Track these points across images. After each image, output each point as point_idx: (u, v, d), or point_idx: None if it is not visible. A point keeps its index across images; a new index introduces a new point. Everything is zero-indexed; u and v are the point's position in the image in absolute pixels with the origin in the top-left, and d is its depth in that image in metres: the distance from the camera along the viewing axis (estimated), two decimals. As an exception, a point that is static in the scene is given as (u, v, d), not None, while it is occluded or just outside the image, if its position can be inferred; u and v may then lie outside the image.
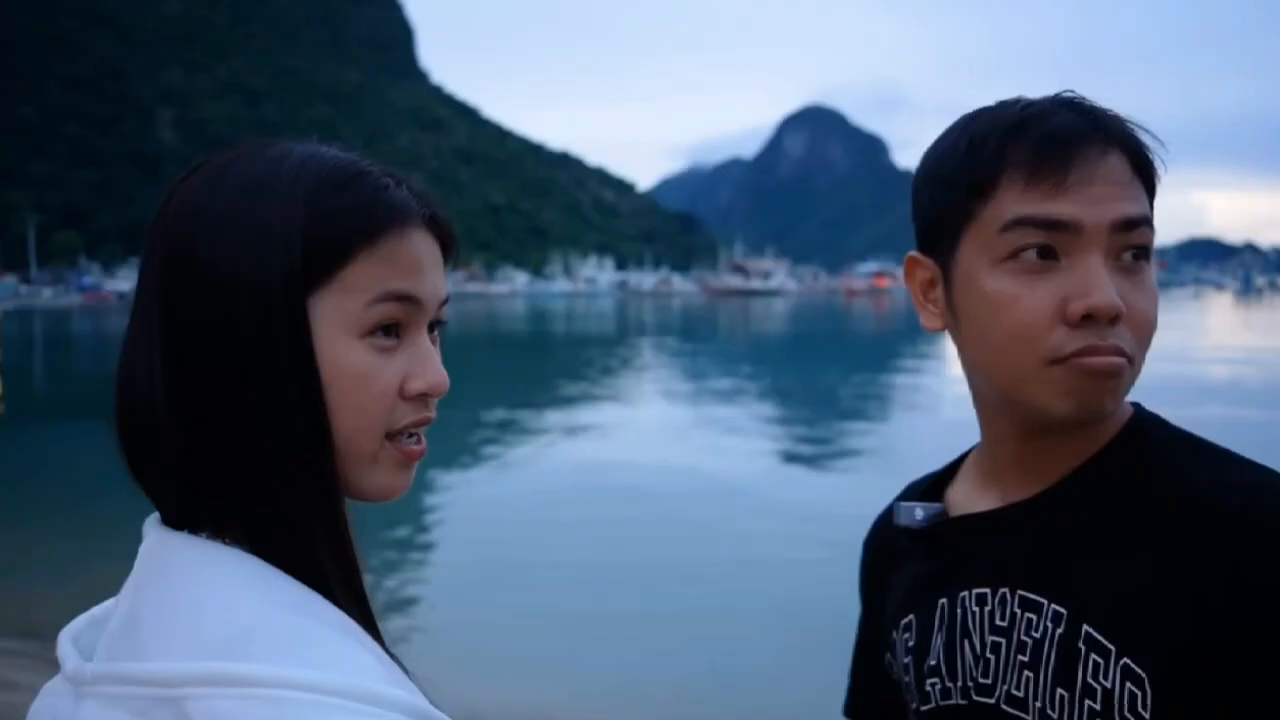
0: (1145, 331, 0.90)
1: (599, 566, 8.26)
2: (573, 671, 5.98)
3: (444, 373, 0.76)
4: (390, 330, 0.73)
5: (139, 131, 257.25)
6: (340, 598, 0.70)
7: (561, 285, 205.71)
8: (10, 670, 5.13)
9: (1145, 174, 0.91)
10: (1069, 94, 0.92)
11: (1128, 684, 0.82)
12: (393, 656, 0.71)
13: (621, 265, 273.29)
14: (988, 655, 0.94)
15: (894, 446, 14.28)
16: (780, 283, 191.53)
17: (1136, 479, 0.91)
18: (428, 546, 9.39)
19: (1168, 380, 17.20)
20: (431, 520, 10.12)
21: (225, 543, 0.70)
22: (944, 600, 1.00)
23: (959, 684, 0.97)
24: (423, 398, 0.75)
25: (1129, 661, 0.83)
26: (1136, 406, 0.97)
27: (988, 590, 0.95)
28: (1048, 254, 0.88)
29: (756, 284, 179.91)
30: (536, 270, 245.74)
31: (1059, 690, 0.87)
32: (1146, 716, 0.82)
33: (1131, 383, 0.91)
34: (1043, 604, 0.90)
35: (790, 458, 14.09)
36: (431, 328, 0.77)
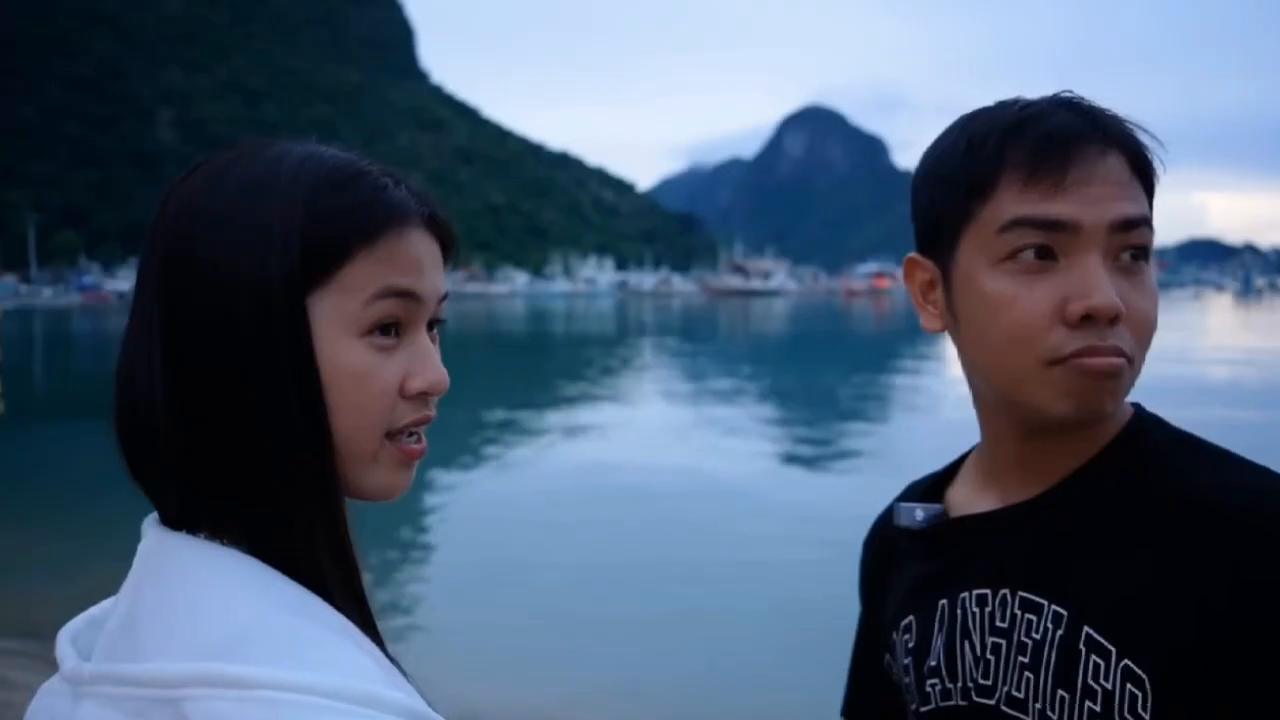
0: (1145, 332, 0.89)
1: (599, 567, 8.26)
2: (572, 671, 5.98)
3: (444, 371, 0.76)
4: (389, 329, 0.73)
5: (139, 131, 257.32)
6: (339, 599, 0.70)
7: (561, 285, 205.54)
8: (10, 670, 5.13)
9: (1144, 174, 0.91)
10: (1067, 94, 0.92)
11: (1128, 685, 0.82)
12: (391, 658, 0.71)
13: (621, 265, 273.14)
14: (988, 656, 0.94)
15: (893, 447, 14.29)
16: (780, 283, 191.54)
17: (1136, 480, 0.90)
18: (428, 546, 9.40)
19: (1167, 381, 17.21)
20: (432, 520, 10.12)
21: (224, 543, 0.70)
22: (944, 601, 0.99)
23: (959, 685, 0.96)
24: (423, 396, 0.75)
25: (1129, 663, 0.83)
26: (1137, 407, 0.97)
27: (988, 591, 0.95)
28: (1046, 254, 0.88)
29: (756, 284, 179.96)
30: (536, 270, 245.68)
31: (1059, 691, 0.86)
32: (1147, 718, 0.82)
33: (1131, 383, 0.90)
34: (1043, 605, 0.90)
35: (790, 458, 14.09)
36: (431, 326, 0.77)
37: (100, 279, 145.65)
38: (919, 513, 1.05)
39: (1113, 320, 0.86)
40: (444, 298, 0.78)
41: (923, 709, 1.00)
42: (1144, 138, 0.91)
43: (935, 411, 17.54)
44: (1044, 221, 0.87)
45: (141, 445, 0.72)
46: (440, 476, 11.76)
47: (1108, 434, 0.94)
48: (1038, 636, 0.89)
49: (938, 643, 0.99)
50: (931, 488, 1.10)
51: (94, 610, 0.77)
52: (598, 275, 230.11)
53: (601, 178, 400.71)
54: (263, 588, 0.67)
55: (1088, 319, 0.86)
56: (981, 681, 0.94)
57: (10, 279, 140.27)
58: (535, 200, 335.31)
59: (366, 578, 0.71)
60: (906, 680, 1.04)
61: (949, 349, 1.00)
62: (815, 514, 9.79)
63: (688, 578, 7.87)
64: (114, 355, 0.75)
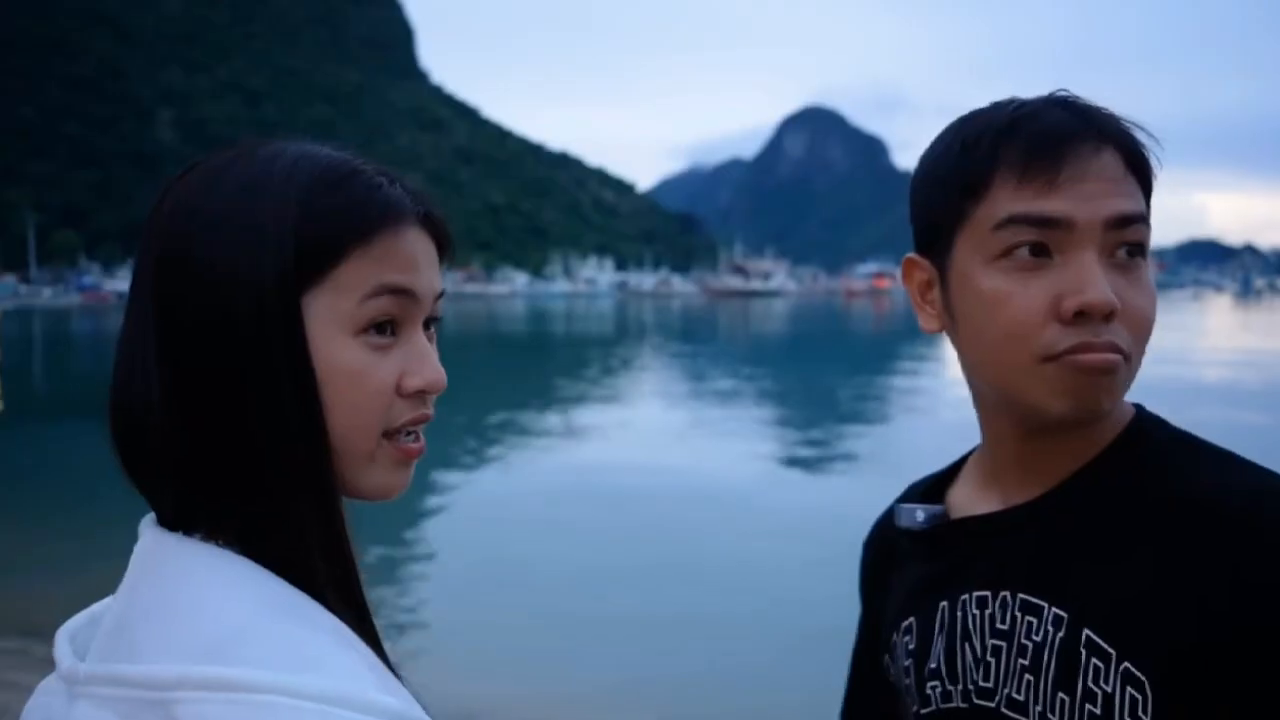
0: (1142, 328, 0.89)
1: (599, 567, 8.26)
2: (572, 671, 5.98)
3: (441, 369, 0.76)
4: (385, 328, 0.73)
5: (139, 131, 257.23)
6: (333, 600, 0.70)
7: (561, 286, 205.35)
8: (9, 670, 5.13)
9: (1140, 171, 0.91)
10: (1062, 93, 0.92)
11: (1128, 688, 0.82)
12: (387, 660, 0.71)
13: (621, 266, 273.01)
14: (988, 658, 0.94)
15: (892, 449, 14.30)
16: (780, 284, 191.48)
17: (1137, 480, 0.90)
18: (428, 546, 9.40)
19: (1167, 382, 17.22)
20: (432, 520, 10.12)
21: (219, 544, 0.70)
22: (945, 603, 0.99)
23: (959, 687, 0.96)
24: (420, 395, 0.75)
25: (1129, 666, 0.82)
26: (1138, 408, 0.97)
27: (988, 593, 0.95)
28: (1041, 251, 0.88)
29: (756, 285, 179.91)
30: (536, 271, 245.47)
31: (1059, 694, 0.86)
32: None
33: (1129, 381, 0.90)
34: (1043, 607, 0.90)
35: (789, 459, 14.09)
36: (428, 325, 0.77)
37: (100, 279, 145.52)
38: (920, 514, 1.05)
39: (1108, 316, 0.86)
40: (440, 296, 0.78)
41: (923, 711, 1.00)
42: (1140, 135, 0.91)
43: (934, 413, 17.54)
44: (1038, 218, 0.87)
45: (136, 445, 0.72)
46: (440, 477, 11.76)
47: (1109, 434, 0.94)
48: (1038, 639, 0.89)
49: (938, 645, 0.99)
50: (932, 489, 1.09)
51: (94, 608, 0.77)
52: (597, 276, 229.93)
53: (601, 178, 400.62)
54: (256, 589, 0.67)
55: (1082, 315, 0.85)
56: (982, 684, 0.94)
57: (10, 279, 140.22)
58: (535, 200, 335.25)
59: (365, 577, 0.71)
60: (907, 682, 1.03)
61: (948, 350, 0.99)
62: (814, 515, 9.80)
63: (687, 578, 7.88)
64: (112, 355, 0.75)
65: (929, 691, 0.99)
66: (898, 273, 1.04)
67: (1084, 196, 0.86)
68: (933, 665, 0.99)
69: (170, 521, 0.72)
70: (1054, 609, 0.89)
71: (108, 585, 0.74)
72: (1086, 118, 0.89)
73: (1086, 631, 0.86)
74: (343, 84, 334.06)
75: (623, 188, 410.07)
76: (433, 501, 10.72)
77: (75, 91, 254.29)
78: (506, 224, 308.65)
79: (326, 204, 0.71)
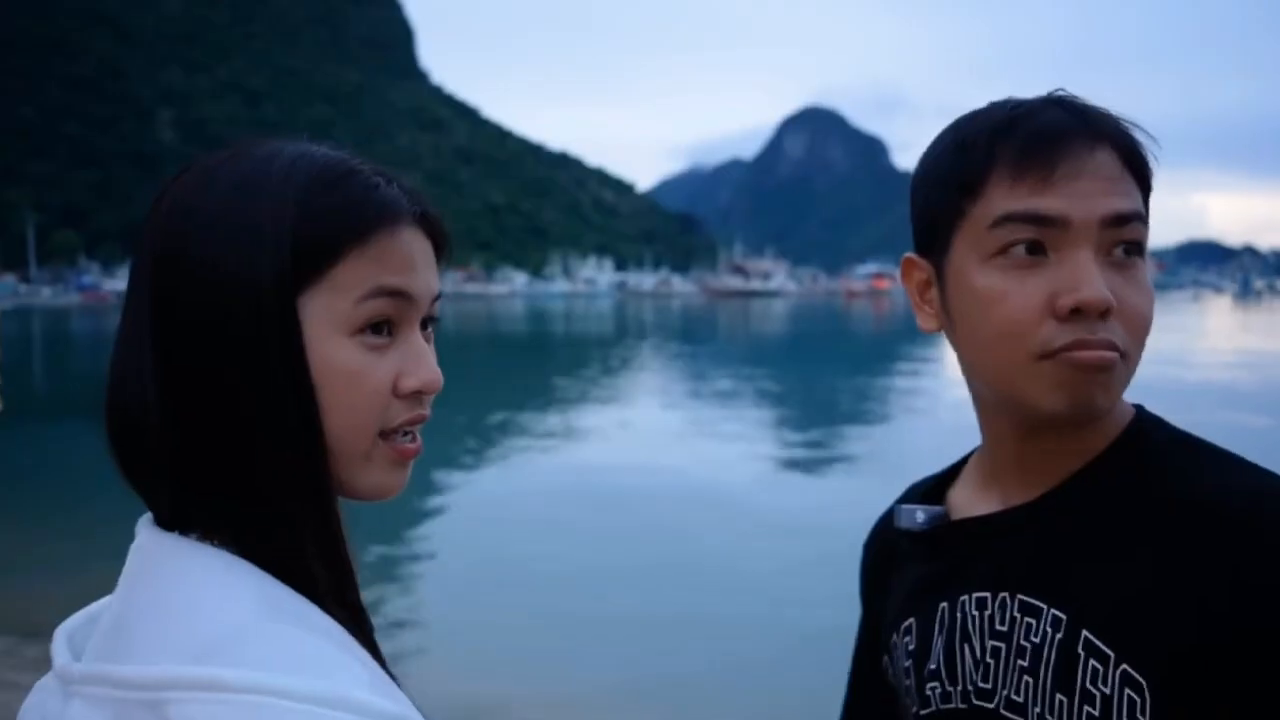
0: (1138, 326, 0.89)
1: (599, 567, 8.26)
2: (572, 671, 5.98)
3: (438, 370, 0.76)
4: (381, 328, 0.73)
5: (139, 131, 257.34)
6: (329, 601, 0.70)
7: (561, 286, 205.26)
8: (10, 670, 5.14)
9: (1138, 170, 0.90)
10: (1060, 93, 0.92)
11: (1127, 690, 0.82)
12: (384, 661, 0.71)
13: (621, 266, 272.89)
14: (987, 660, 0.94)
15: (892, 450, 14.30)
16: (780, 284, 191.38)
17: (1137, 481, 0.90)
18: (428, 546, 9.40)
19: (1167, 383, 17.22)
20: (431, 520, 10.12)
21: (215, 544, 0.70)
22: (944, 604, 0.99)
23: (959, 688, 0.96)
24: (417, 395, 0.75)
25: (1128, 667, 0.82)
26: (1139, 408, 0.97)
27: (988, 594, 0.95)
28: (1037, 249, 0.88)
29: (756, 285, 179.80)
30: (536, 271, 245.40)
31: (1058, 695, 0.86)
32: None
33: (1126, 379, 0.90)
34: (1042, 609, 0.90)
35: (789, 460, 14.09)
36: (425, 325, 0.77)
37: (99, 279, 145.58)
38: (920, 515, 1.05)
39: (1104, 314, 0.86)
40: (438, 297, 0.78)
41: (922, 712, 1.00)
42: (1138, 135, 0.91)
43: (934, 413, 17.54)
44: (1033, 216, 0.87)
45: (133, 445, 0.72)
46: (441, 477, 11.76)
47: (1109, 435, 0.94)
48: (1037, 640, 0.89)
49: (938, 645, 0.99)
50: (933, 489, 1.09)
51: (92, 607, 0.77)
52: (597, 276, 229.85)
53: (601, 178, 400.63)
54: (251, 590, 0.67)
55: (1078, 313, 0.85)
56: (981, 685, 0.94)
57: (9, 278, 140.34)
58: (535, 200, 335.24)
59: (366, 576, 0.71)
60: (907, 683, 1.03)
61: (947, 351, 1.00)
62: (814, 515, 9.80)
63: (687, 578, 7.88)
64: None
65: (928, 692, 0.99)
66: (897, 273, 1.04)
67: (1079, 194, 0.86)
68: (932, 666, 0.99)
69: (167, 521, 0.72)
70: (1053, 610, 0.89)
71: (107, 585, 0.74)
72: (1083, 116, 0.89)
73: (1085, 633, 0.86)
74: (343, 84, 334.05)
75: (623, 188, 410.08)
76: (433, 501, 10.72)
77: (75, 91, 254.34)
78: (506, 224, 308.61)
79: (323, 203, 0.71)
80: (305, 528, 0.70)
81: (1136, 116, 0.91)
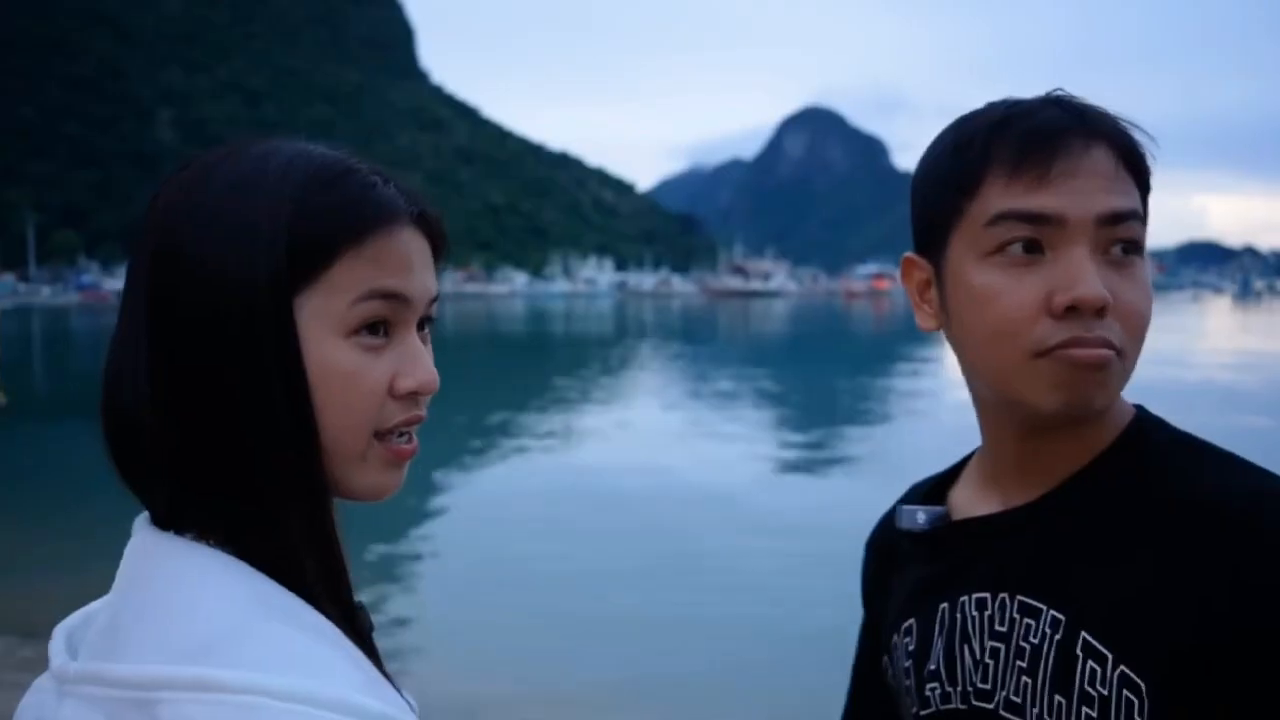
0: (1136, 324, 0.89)
1: (599, 567, 8.26)
2: (572, 671, 5.98)
3: (434, 371, 0.76)
4: (377, 328, 0.73)
5: (139, 131, 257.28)
6: (322, 600, 0.69)
7: (561, 286, 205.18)
8: (9, 670, 5.14)
9: (1135, 169, 0.90)
10: (1058, 92, 0.92)
11: (1125, 691, 0.82)
12: (380, 661, 0.72)
13: (621, 266, 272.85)
14: (987, 660, 0.94)
15: (891, 450, 14.31)
16: (780, 284, 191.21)
17: (1137, 481, 0.90)
18: (427, 546, 9.40)
19: (1166, 384, 17.23)
20: (431, 520, 10.12)
21: (210, 544, 0.70)
22: (945, 604, 0.99)
23: (959, 689, 0.96)
24: (413, 396, 0.75)
25: (1126, 669, 0.82)
26: (1139, 409, 0.97)
27: (987, 595, 0.95)
28: (1033, 248, 0.88)
29: (756, 285, 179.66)
30: (536, 271, 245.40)
31: (1056, 696, 0.86)
32: None
33: (1123, 378, 0.90)
34: (1041, 609, 0.90)
35: (789, 460, 14.08)
36: (422, 326, 0.77)
37: (99, 278, 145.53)
38: (920, 515, 1.04)
39: (1100, 312, 0.85)
40: (435, 298, 0.77)
41: (922, 713, 1.00)
42: (1136, 134, 0.91)
43: (934, 414, 17.55)
44: (1029, 214, 0.87)
45: (128, 444, 0.72)
46: (441, 477, 11.77)
47: (1109, 435, 0.93)
48: (1036, 641, 0.89)
49: (938, 646, 0.99)
50: (934, 489, 1.09)
51: (91, 607, 0.77)
52: (597, 276, 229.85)
53: (601, 178, 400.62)
54: (244, 590, 0.67)
55: (1074, 310, 0.85)
56: (980, 686, 0.94)
57: (9, 278, 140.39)
58: (535, 200, 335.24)
59: (366, 576, 0.79)
60: (907, 683, 1.03)
61: (947, 351, 1.00)
62: (814, 515, 9.81)
63: (687, 578, 7.88)
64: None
65: (928, 693, 0.99)
66: (897, 273, 1.04)
67: (1075, 192, 0.86)
68: (932, 667, 0.99)
69: (163, 521, 0.72)
70: (1052, 611, 0.89)
71: (107, 584, 0.74)
72: (1080, 115, 0.89)
73: (1084, 634, 0.86)
74: (343, 84, 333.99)
75: (623, 188, 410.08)
76: (433, 501, 10.72)
77: (75, 91, 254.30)
78: (506, 224, 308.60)
79: (320, 203, 0.71)
80: (299, 527, 0.70)
81: (1136, 116, 0.91)
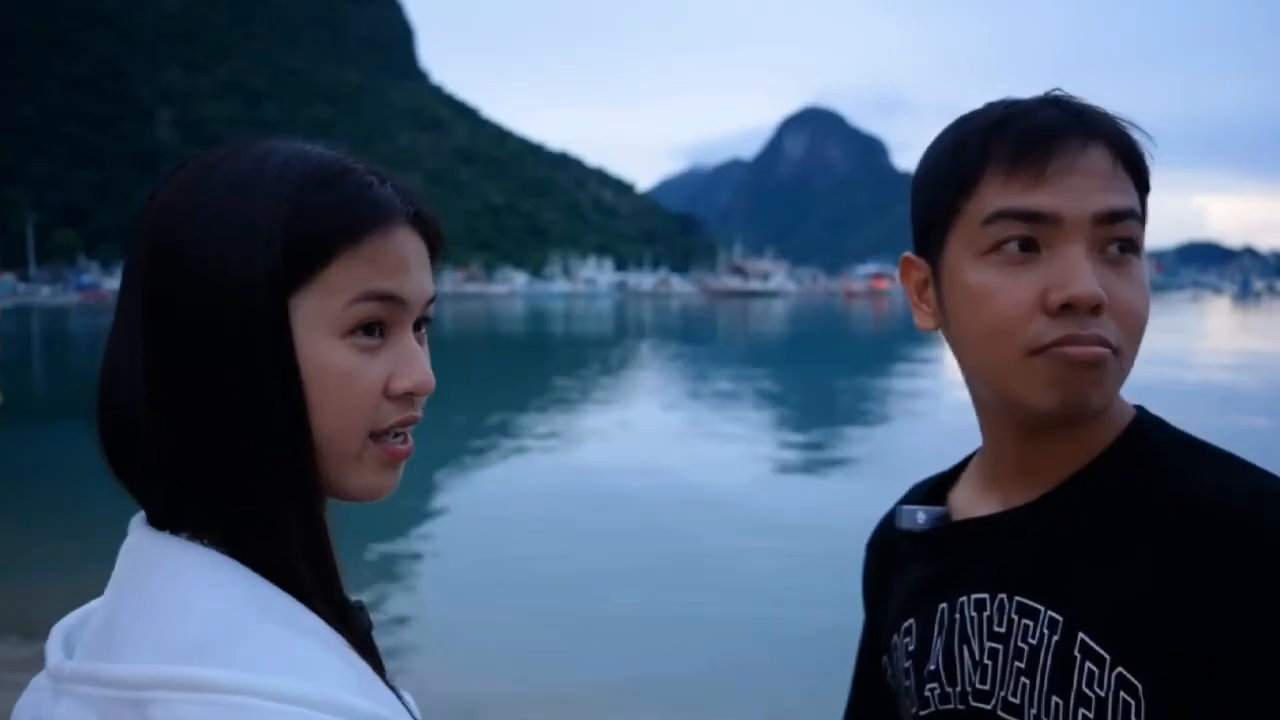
0: (1132, 323, 0.88)
1: (599, 567, 8.26)
2: (572, 672, 5.98)
3: (429, 372, 0.75)
4: (373, 329, 0.72)
5: (139, 131, 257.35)
6: (316, 600, 0.70)
7: (560, 286, 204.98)
8: (9, 670, 5.14)
9: (1134, 168, 0.90)
10: (1057, 92, 0.92)
11: (1122, 693, 0.82)
12: (379, 661, 0.72)
13: (621, 266, 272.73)
14: (985, 661, 0.94)
15: (891, 451, 14.31)
16: (779, 284, 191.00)
17: (1137, 482, 0.90)
18: (427, 546, 9.39)
19: (1166, 384, 17.23)
20: (431, 520, 10.12)
21: (204, 544, 0.70)
22: (944, 605, 0.99)
23: (957, 689, 0.96)
24: (408, 397, 0.74)
25: (1123, 670, 0.82)
26: (1139, 409, 0.97)
27: (986, 595, 0.95)
28: (1029, 246, 0.88)
29: (755, 285, 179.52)
30: (536, 271, 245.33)
31: (1054, 698, 0.86)
32: None
33: (1120, 377, 0.89)
34: (1040, 610, 0.90)
35: (788, 460, 14.08)
36: (418, 326, 0.77)
37: (99, 278, 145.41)
38: (920, 515, 1.05)
39: (1095, 310, 0.85)
40: (432, 299, 0.77)
41: (921, 713, 1.00)
42: (1135, 133, 0.91)
43: (933, 414, 17.54)
44: (1025, 213, 0.87)
45: (124, 443, 0.72)
46: (441, 477, 11.77)
47: (1108, 435, 0.93)
48: (1034, 642, 0.89)
49: (937, 646, 0.99)
50: (934, 490, 1.09)
51: (89, 606, 0.77)
52: (597, 276, 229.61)
53: (601, 178, 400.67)
54: (239, 591, 0.67)
55: (1069, 308, 0.85)
56: (979, 686, 0.94)
57: (9, 277, 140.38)
58: (535, 200, 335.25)
59: (366, 576, 0.80)
60: (906, 684, 1.03)
61: (947, 352, 1.00)
62: (814, 515, 9.80)
63: (687, 578, 7.88)
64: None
65: (928, 693, 0.99)
66: (897, 273, 1.04)
67: (1071, 191, 0.86)
68: (931, 667, 0.99)
69: (159, 520, 0.72)
70: (1050, 612, 0.89)
71: (107, 585, 0.74)
72: (1077, 115, 0.89)
73: (1081, 635, 0.86)
74: (343, 84, 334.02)
75: (622, 188, 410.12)
76: (433, 501, 10.72)
77: (75, 91, 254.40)
78: (506, 224, 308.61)
79: (317, 202, 0.71)
80: (294, 528, 0.70)
81: (1136, 116, 0.91)
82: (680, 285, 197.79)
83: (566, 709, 5.46)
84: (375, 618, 0.78)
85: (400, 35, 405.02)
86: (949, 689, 0.97)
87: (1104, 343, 0.86)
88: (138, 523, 0.74)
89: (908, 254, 1.01)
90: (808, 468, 13.35)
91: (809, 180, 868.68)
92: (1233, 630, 0.79)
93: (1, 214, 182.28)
